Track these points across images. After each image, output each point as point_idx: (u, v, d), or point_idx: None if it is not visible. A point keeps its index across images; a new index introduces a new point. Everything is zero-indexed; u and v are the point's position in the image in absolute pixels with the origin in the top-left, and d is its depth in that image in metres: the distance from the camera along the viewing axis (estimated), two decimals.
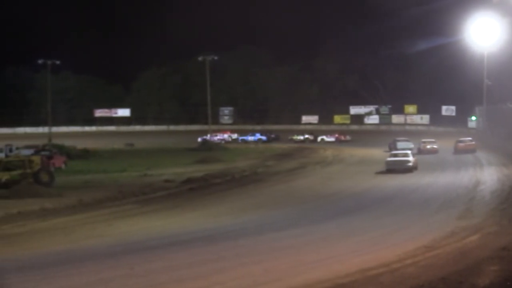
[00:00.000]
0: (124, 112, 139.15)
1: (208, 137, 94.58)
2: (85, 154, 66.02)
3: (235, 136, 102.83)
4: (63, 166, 51.85)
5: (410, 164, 44.58)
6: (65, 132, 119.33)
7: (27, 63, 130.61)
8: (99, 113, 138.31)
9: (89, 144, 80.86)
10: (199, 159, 58.68)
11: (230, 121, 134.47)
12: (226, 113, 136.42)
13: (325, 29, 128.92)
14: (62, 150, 61.83)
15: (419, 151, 60.54)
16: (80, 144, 75.34)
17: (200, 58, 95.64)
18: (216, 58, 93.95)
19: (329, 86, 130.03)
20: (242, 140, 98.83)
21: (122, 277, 15.21)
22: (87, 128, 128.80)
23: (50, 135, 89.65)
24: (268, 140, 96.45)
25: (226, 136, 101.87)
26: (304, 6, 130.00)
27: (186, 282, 14.68)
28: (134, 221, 25.56)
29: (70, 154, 62.22)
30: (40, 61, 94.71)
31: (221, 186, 38.27)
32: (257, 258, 17.16)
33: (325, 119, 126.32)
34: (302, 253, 17.86)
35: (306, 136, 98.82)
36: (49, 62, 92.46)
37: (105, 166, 53.48)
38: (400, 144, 65.66)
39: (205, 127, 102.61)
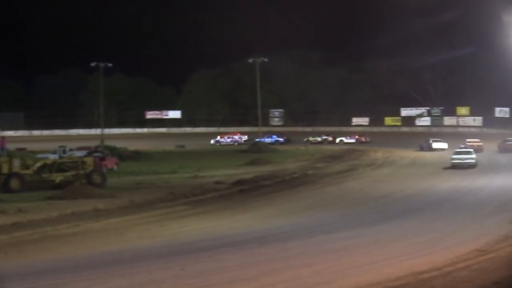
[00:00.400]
0: (175, 114, 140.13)
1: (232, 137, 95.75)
2: (137, 155, 66.58)
3: (245, 137, 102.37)
4: (115, 167, 52.37)
5: (474, 161, 49.45)
6: (117, 133, 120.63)
7: (80, 65, 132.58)
8: (150, 115, 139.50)
9: (140, 145, 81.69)
10: (249, 161, 58.79)
11: (280, 123, 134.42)
12: (276, 115, 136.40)
13: (376, 30, 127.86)
14: (114, 152, 62.42)
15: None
16: (131, 146, 76.10)
17: (250, 60, 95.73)
18: (266, 60, 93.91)
19: (379, 88, 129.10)
20: (258, 141, 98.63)
21: (174, 277, 15.32)
22: (138, 130, 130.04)
23: (102, 137, 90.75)
24: (285, 142, 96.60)
25: (237, 137, 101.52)
26: (355, 6, 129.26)
27: (236, 284, 14.73)
28: (185, 222, 25.69)
29: (122, 155, 62.85)
30: (92, 64, 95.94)
31: (271, 188, 38.26)
32: (307, 260, 17.12)
33: (376, 121, 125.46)
34: (353, 256, 17.78)
35: (324, 137, 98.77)
36: (101, 64, 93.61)
37: (156, 167, 53.92)
38: (435, 144, 72.53)
39: (255, 129, 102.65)
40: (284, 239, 20.98)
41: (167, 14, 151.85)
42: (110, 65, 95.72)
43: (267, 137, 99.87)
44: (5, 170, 37.23)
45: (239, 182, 39.40)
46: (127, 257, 18.37)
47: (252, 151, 74.54)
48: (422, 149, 73.74)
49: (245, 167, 53.71)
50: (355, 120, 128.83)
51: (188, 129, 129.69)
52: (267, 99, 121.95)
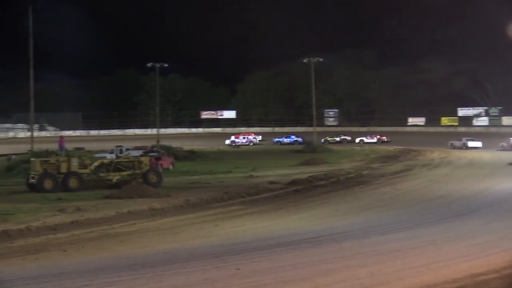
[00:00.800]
0: (230, 114, 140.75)
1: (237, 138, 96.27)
2: (192, 155, 67.06)
3: (259, 137, 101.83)
4: (170, 167, 52.84)
5: None
6: (173, 133, 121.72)
7: (136, 66, 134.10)
8: (205, 114, 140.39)
9: (195, 145, 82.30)
10: (304, 161, 58.71)
11: (335, 123, 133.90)
12: (331, 115, 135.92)
13: (432, 29, 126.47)
14: (170, 151, 63.01)
15: (503, 148, 70.26)
16: (187, 145, 76.73)
17: (305, 60, 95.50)
18: (321, 60, 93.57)
19: (436, 88, 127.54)
20: (278, 142, 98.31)
21: (228, 277, 15.37)
22: (193, 130, 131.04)
23: (158, 137, 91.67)
24: (303, 143, 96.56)
25: (251, 137, 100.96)
26: (410, 6, 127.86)
27: (291, 284, 14.71)
28: (239, 222, 25.77)
29: (177, 155, 63.39)
30: (149, 64, 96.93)
31: (326, 188, 38.11)
32: (363, 261, 17.01)
33: (432, 121, 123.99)
34: (408, 257, 17.59)
35: (343, 137, 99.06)
36: (157, 65, 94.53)
37: (211, 167, 54.25)
38: (470, 143, 78.47)
39: (310, 129, 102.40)
40: (339, 239, 20.88)
41: (222, 15, 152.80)
42: (166, 65, 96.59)
43: (285, 137, 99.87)
44: (64, 169, 37.98)
45: (293, 182, 39.36)
46: (182, 256, 18.49)
47: (307, 151, 74.49)
48: (454, 147, 77.39)
49: (299, 167, 53.68)
50: (411, 120, 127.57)
51: (243, 129, 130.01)
52: (321, 99, 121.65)
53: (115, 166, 40.59)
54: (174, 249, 19.99)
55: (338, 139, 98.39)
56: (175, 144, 75.97)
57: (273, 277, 15.22)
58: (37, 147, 58.31)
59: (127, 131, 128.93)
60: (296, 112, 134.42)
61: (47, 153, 43.12)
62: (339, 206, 30.30)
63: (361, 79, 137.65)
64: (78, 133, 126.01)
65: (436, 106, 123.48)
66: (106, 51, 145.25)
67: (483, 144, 79.95)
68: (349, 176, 45.13)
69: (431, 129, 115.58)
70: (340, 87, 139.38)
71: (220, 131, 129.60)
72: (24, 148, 65.72)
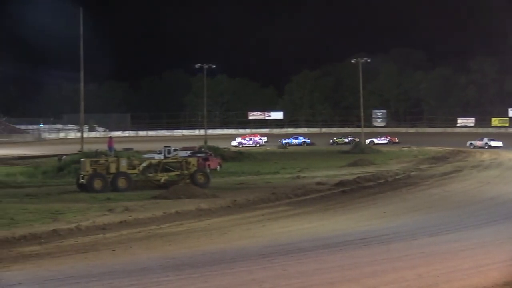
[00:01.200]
0: (277, 115, 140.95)
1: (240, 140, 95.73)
2: (239, 156, 67.26)
3: (265, 139, 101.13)
4: (218, 167, 53.03)
5: None
6: (220, 134, 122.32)
7: (184, 67, 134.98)
8: (252, 115, 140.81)
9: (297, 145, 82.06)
10: (351, 162, 58.39)
11: (383, 124, 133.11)
12: (379, 116, 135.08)
13: (482, 29, 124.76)
14: (217, 152, 63.28)
15: None
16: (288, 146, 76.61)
17: (353, 61, 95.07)
18: (368, 60, 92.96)
19: (486, 88, 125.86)
20: (286, 143, 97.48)
21: (275, 277, 15.37)
22: (241, 130, 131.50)
23: (205, 137, 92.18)
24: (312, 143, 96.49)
25: (257, 139, 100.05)
26: (460, 6, 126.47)
27: (338, 285, 14.65)
28: (286, 223, 25.72)
29: (225, 156, 63.64)
30: (196, 66, 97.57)
31: (374, 189, 37.83)
32: (410, 263, 16.85)
33: (482, 121, 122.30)
34: (457, 259, 17.37)
35: (351, 138, 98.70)
36: (205, 66, 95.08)
37: (258, 168, 54.34)
38: (493, 143, 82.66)
39: (357, 129, 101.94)
40: (386, 241, 20.71)
41: (268, 16, 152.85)
42: (213, 66, 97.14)
43: (293, 138, 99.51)
44: (113, 169, 38.34)
45: (341, 183, 39.12)
46: (229, 257, 18.54)
47: (354, 152, 74.14)
48: (474, 147, 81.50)
49: (347, 168, 53.40)
50: (460, 121, 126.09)
51: (290, 130, 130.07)
52: (369, 100, 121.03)
53: (163, 167, 40.85)
54: (221, 250, 20.04)
55: (346, 140, 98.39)
56: (222, 144, 76.32)
57: (319, 278, 15.18)
58: (87, 147, 59.07)
59: (175, 132, 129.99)
60: (343, 112, 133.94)
61: (97, 153, 43.63)
62: (387, 207, 30.05)
63: (409, 79, 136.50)
64: (126, 133, 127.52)
65: (487, 107, 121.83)
66: (155, 53, 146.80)
67: (503, 144, 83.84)
68: (397, 177, 44.73)
69: (480, 130, 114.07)
70: (387, 88, 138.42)
71: (267, 132, 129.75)
72: (74, 148, 66.70)
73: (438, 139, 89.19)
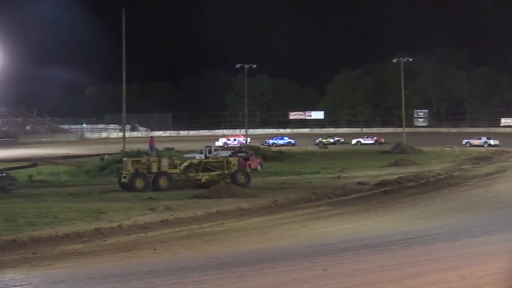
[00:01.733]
0: (318, 115, 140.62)
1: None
2: (280, 155, 67.21)
3: (248, 140, 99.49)
4: (258, 167, 53.07)
5: None
6: (261, 134, 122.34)
7: (225, 67, 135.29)
8: (293, 115, 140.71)
9: (282, 146, 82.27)
10: (392, 162, 57.96)
11: (424, 124, 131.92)
12: (420, 116, 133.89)
13: None
14: (258, 152, 63.29)
15: None
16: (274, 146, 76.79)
17: (394, 60, 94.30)
18: (410, 59, 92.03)
19: None
20: (273, 143, 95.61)
21: (316, 277, 15.32)
22: (281, 130, 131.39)
23: (246, 137, 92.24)
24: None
25: (241, 140, 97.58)
26: (503, 4, 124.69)
27: (378, 286, 14.53)
28: (327, 223, 25.70)
29: (265, 155, 63.66)
30: (237, 65, 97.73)
31: (415, 190, 37.55)
32: (453, 264, 16.65)
33: None
34: (501, 261, 17.08)
35: (337, 138, 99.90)
36: (246, 66, 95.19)
37: (299, 167, 54.28)
38: (493, 141, 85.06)
39: (399, 129, 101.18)
40: (428, 241, 20.52)
41: (309, 17, 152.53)
42: (254, 66, 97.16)
43: (279, 139, 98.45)
44: (154, 169, 38.66)
45: (382, 183, 38.91)
46: (270, 256, 18.55)
47: (395, 152, 73.64)
48: (471, 146, 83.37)
49: (388, 168, 53.03)
50: (504, 121, 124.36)
51: (331, 130, 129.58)
52: (410, 100, 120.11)
53: (204, 166, 41.06)
54: (261, 249, 20.08)
55: (332, 140, 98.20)
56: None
57: (360, 279, 15.08)
58: (129, 147, 59.61)
59: (216, 131, 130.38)
60: (385, 112, 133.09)
61: (138, 153, 43.95)
62: (429, 208, 29.80)
63: (452, 79, 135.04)
64: (168, 133, 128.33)
65: None
66: (196, 52, 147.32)
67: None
68: (439, 177, 44.29)
69: None
70: (429, 87, 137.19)
71: (308, 132, 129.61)
72: (116, 148, 67.33)
73: (427, 139, 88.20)
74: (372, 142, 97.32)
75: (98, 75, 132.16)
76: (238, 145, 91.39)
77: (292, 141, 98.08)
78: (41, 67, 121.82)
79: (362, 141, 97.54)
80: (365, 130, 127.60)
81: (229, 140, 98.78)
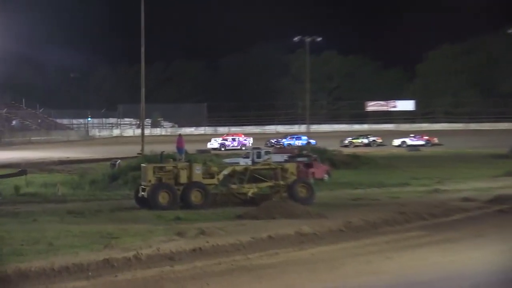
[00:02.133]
0: (406, 105, 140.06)
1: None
2: (354, 160, 67.04)
3: (251, 140, 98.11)
4: (325, 177, 53.00)
5: None
6: (328, 131, 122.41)
7: (277, 41, 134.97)
8: (372, 106, 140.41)
9: (359, 147, 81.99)
10: (510, 170, 57.31)
11: None
12: None
13: None
14: (324, 156, 63.12)
15: None
16: (346, 148, 76.52)
17: (510, 31, 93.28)
18: None
19: None
20: (288, 144, 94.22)
21: None
22: (356, 126, 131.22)
23: (308, 136, 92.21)
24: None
25: (242, 139, 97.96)
26: None
27: None
28: (420, 254, 25.44)
29: (335, 160, 63.50)
30: (296, 39, 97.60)
31: None
32: None
33: None
34: None
35: (372, 138, 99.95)
36: (307, 39, 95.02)
37: (381, 177, 54.13)
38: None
39: None
40: None
41: None
42: (319, 39, 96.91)
43: (295, 138, 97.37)
44: (183, 179, 38.45)
45: (496, 200, 38.44)
46: None
47: None
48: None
49: (504, 179, 52.52)
50: None
51: (424, 125, 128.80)
52: None
53: (251, 175, 40.98)
54: None
55: (366, 140, 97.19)
56: (331, 146, 76.07)
57: None
58: (149, 149, 59.95)
59: (267, 128, 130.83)
60: (499, 102, 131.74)
61: (162, 157, 44.15)
62: None
63: None
64: (202, 130, 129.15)
65: None
66: (238, 22, 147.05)
67: None
68: None
69: None
70: None
71: (392, 128, 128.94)
72: (132, 150, 67.85)
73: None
74: (423, 143, 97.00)
75: (108, 53, 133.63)
76: (238, 146, 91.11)
77: (313, 141, 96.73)
78: (32, 44, 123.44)
79: (408, 141, 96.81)
80: (471, 125, 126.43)
81: (226, 140, 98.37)
